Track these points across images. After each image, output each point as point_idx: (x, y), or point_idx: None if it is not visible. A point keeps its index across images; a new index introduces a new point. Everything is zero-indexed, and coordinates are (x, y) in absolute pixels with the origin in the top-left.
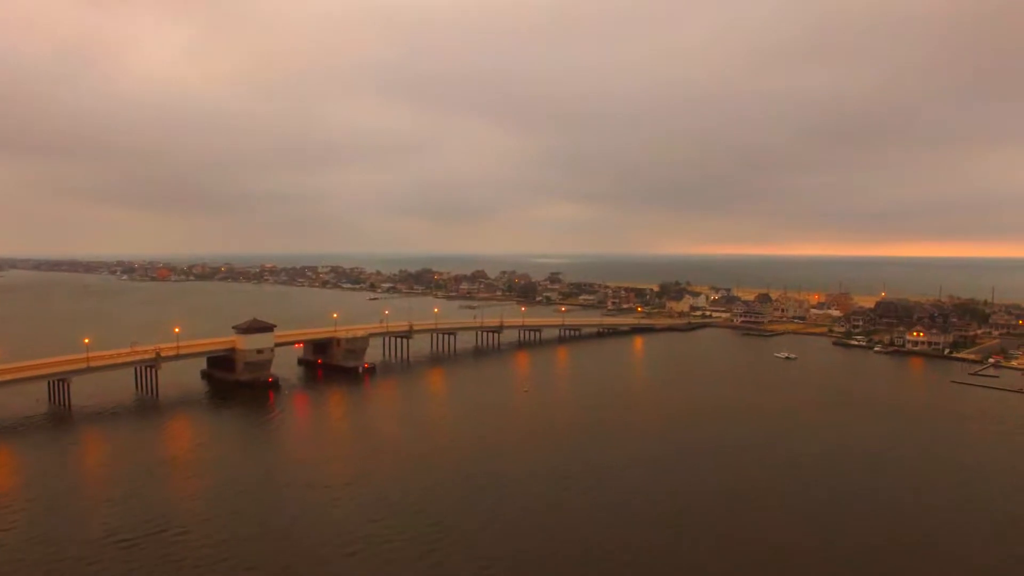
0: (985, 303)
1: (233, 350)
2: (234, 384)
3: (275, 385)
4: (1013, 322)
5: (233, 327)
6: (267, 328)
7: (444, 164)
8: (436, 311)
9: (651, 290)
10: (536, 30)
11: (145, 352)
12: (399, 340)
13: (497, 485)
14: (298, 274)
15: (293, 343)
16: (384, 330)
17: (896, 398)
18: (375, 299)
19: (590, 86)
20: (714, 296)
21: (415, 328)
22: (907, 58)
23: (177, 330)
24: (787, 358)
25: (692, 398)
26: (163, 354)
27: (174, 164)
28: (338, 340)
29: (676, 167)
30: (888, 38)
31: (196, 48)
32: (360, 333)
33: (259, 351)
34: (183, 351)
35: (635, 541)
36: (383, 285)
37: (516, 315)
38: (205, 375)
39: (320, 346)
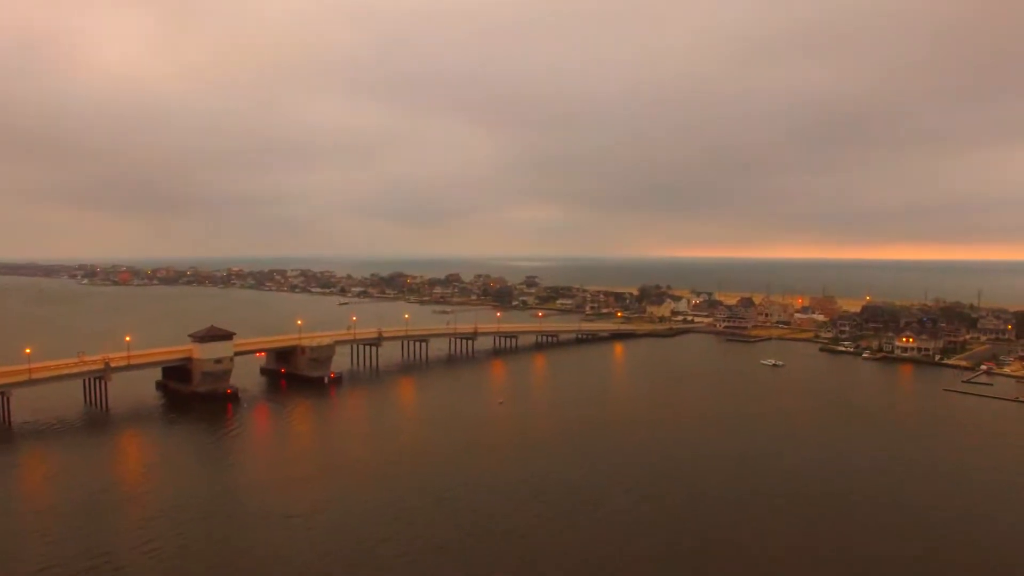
0: (971, 307)
1: (189, 360)
2: (190, 396)
3: (234, 397)
4: (1002, 327)
5: (189, 335)
6: (225, 336)
7: (418, 164)
8: (407, 317)
9: (631, 294)
10: (515, 28)
11: (93, 363)
12: (367, 348)
13: (469, 510)
14: (266, 278)
15: (254, 352)
16: (351, 337)
17: (891, 409)
18: (345, 304)
19: (571, 85)
20: (695, 300)
21: (384, 335)
22: (896, 57)
23: (128, 339)
24: (774, 365)
25: (678, 411)
26: (112, 364)
27: (138, 164)
28: (302, 348)
29: (658, 168)
30: (877, 36)
31: (157, 42)
32: (325, 341)
33: (217, 361)
34: (134, 361)
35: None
36: (354, 289)
37: (491, 321)
38: (160, 386)
39: (283, 355)
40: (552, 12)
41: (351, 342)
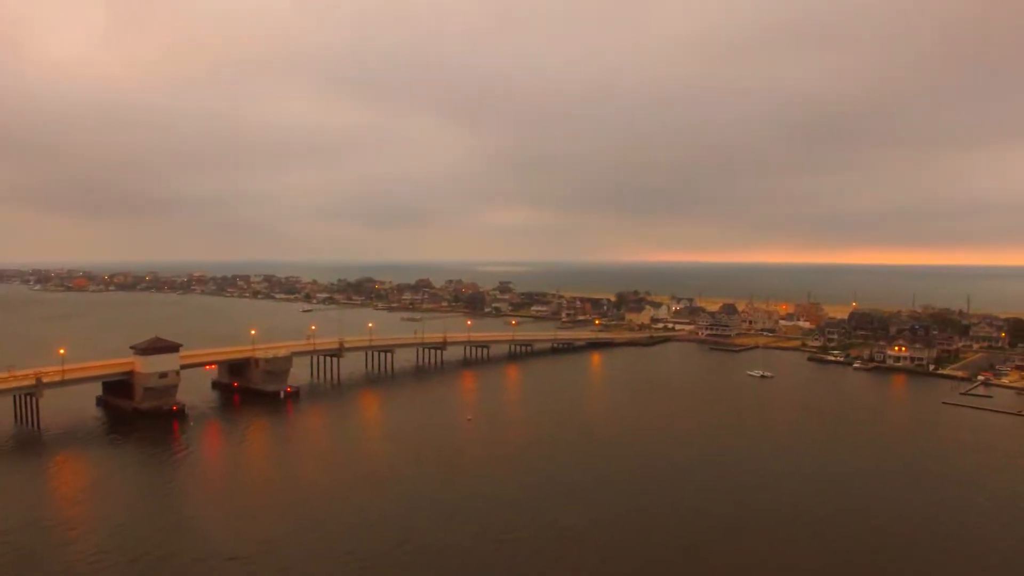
0: (960, 313)
1: (131, 374)
2: (133, 413)
3: (181, 414)
4: (995, 335)
5: (131, 347)
6: (171, 348)
7: (390, 165)
8: (371, 326)
9: (608, 300)
10: (492, 24)
11: (24, 377)
12: (328, 359)
13: (431, 551)
14: (228, 283)
15: (203, 365)
16: (311, 348)
17: (890, 426)
18: (309, 311)
19: (552, 85)
20: (676, 307)
21: (346, 345)
22: (884, 57)
23: (62, 351)
24: (762, 376)
25: (660, 428)
26: (45, 380)
27: (96, 163)
28: (256, 361)
29: (638, 170)
30: (866, 35)
31: (110, 35)
32: (282, 352)
33: (161, 375)
34: (70, 376)
35: None
36: (319, 295)
37: (462, 329)
38: (101, 402)
39: (236, 367)
40: (533, 9)
41: (310, 353)
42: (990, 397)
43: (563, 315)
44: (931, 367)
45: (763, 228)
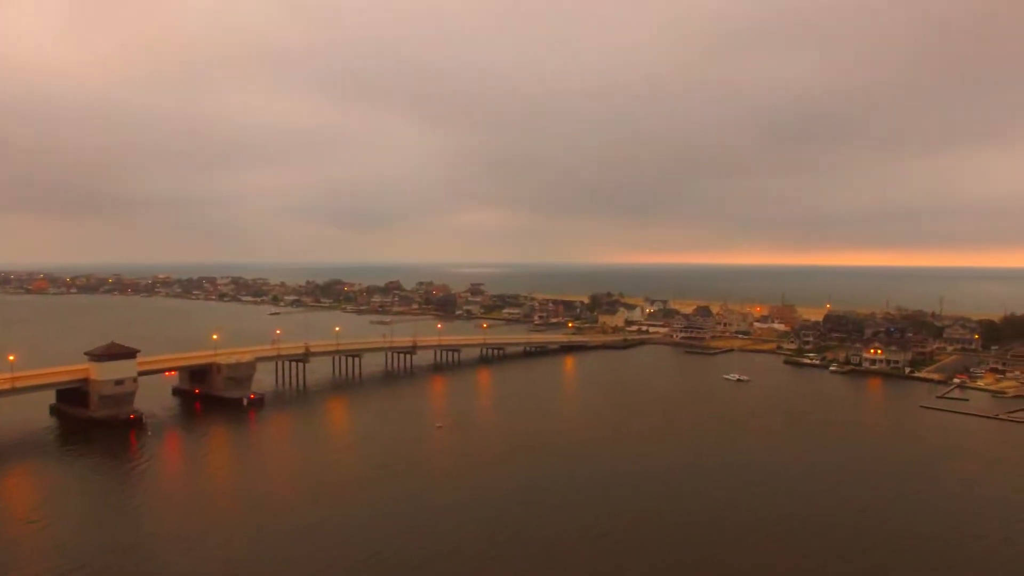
0: (933, 315)
1: (86, 381)
2: (88, 422)
3: (138, 423)
4: (968, 336)
5: (86, 353)
6: (128, 354)
7: (361, 165)
8: (337, 329)
9: (581, 303)
10: (467, 22)
11: None
12: (294, 364)
13: (401, 569)
14: (194, 286)
15: (163, 371)
16: (275, 353)
17: (871, 432)
18: (276, 314)
19: (529, 84)
20: (650, 309)
21: (312, 350)
22: (861, 57)
23: (12, 358)
24: (739, 380)
25: (636, 434)
26: None
27: (59, 162)
28: (218, 366)
29: (612, 170)
30: (846, 35)
31: (71, 30)
32: (245, 357)
33: (118, 382)
34: (21, 384)
35: None
36: (287, 298)
37: (432, 332)
38: (55, 411)
39: (197, 373)
40: (511, 7)
41: (275, 358)
42: (966, 400)
43: (536, 318)
44: (907, 370)
45: (737, 230)
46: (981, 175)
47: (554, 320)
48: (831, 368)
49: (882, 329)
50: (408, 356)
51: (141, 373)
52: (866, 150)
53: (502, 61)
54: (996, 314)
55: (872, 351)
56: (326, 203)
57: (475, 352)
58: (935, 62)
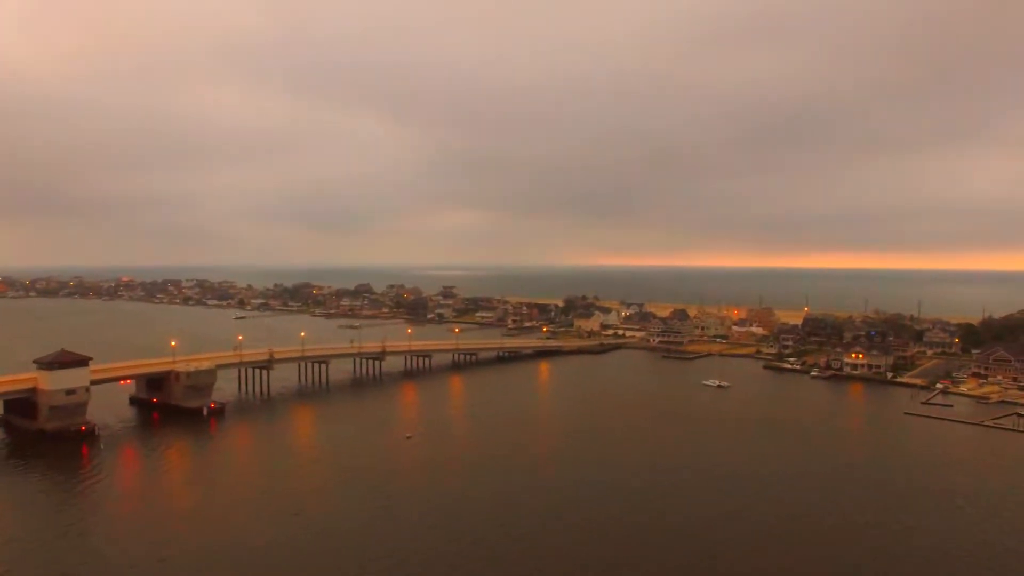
0: (911, 318)
1: (34, 391)
2: (37, 435)
3: (91, 435)
4: (947, 340)
5: (35, 361)
6: (80, 362)
7: (331, 165)
8: (303, 335)
9: (556, 306)
10: (441, 18)
11: None
12: (257, 372)
13: None
14: (158, 289)
15: (118, 379)
16: (238, 360)
17: (857, 441)
18: (242, 318)
19: (497, 82)
20: (626, 312)
21: (276, 356)
22: (841, 57)
23: None
24: (719, 387)
25: (615, 445)
26: None
27: (18, 161)
28: (177, 374)
29: (586, 172)
30: (821, 34)
31: (28, 24)
32: (205, 365)
33: (69, 392)
34: None
35: None
36: (254, 302)
37: (402, 337)
38: (2, 423)
39: (155, 382)
40: (483, 5)
41: (237, 365)
42: (950, 406)
43: (509, 321)
44: (889, 375)
45: (712, 231)
46: (954, 176)
47: (528, 324)
48: (812, 373)
49: (862, 333)
50: (377, 363)
51: (94, 382)
52: (839, 152)
53: (476, 58)
54: (974, 317)
55: (853, 355)
56: (296, 204)
57: (447, 358)
58: (910, 63)
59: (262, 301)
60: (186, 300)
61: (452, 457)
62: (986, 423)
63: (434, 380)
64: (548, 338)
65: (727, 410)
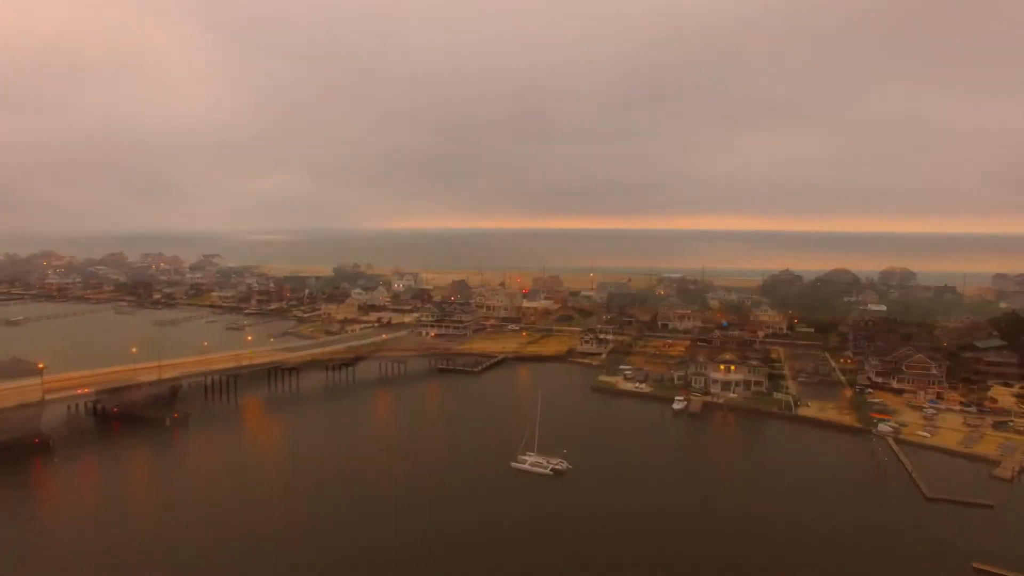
0: (695, 283)
1: None
2: None
3: (45, 447)
4: (780, 323)
5: None
6: (31, 371)
7: (134, 104)
8: None
9: (315, 279)
10: None
11: None
12: None
13: None
14: None
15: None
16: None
17: None
18: None
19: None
20: (399, 285)
21: None
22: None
23: None
24: (553, 470)
25: None
26: None
27: None
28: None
29: (421, 135)
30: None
31: None
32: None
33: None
34: None
35: None
36: None
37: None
38: None
39: (117, 391)
40: None
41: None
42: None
43: (252, 303)
44: (786, 398)
45: (495, 195)
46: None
47: (274, 306)
48: (675, 407)
49: (714, 327)
50: None
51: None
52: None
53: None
54: (752, 279)
55: (723, 368)
56: (96, 159)
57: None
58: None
59: None
60: None
61: None
62: None
63: None
64: (285, 332)
65: None
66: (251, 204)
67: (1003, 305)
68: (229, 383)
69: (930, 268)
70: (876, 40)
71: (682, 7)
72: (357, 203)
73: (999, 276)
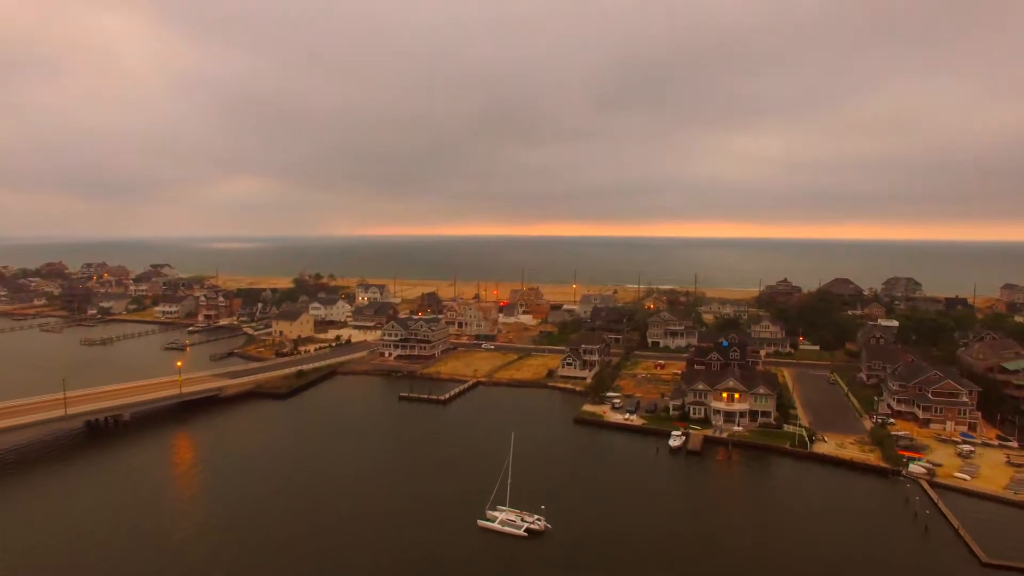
0: (688, 294)
1: None
2: None
3: None
4: (779, 335)
5: None
6: None
7: (91, 102)
8: None
9: (272, 291)
10: None
11: None
12: None
13: None
14: None
15: None
16: None
17: None
18: None
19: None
20: (362, 298)
21: None
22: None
23: None
24: (527, 530)
25: None
26: None
27: None
28: None
29: (399, 136)
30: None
31: None
32: None
33: None
34: None
35: None
36: None
37: None
38: None
39: None
40: None
41: None
42: None
43: (200, 317)
44: (810, 440)
45: (471, 201)
46: (692, 156)
47: (223, 322)
48: (672, 442)
49: (710, 347)
50: None
51: None
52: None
53: None
54: (751, 290)
55: (725, 396)
56: (51, 164)
57: None
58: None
59: None
60: None
61: None
62: None
63: None
64: (235, 350)
65: None
66: (214, 210)
67: (1018, 319)
68: (147, 417)
69: (933, 276)
70: (876, 40)
71: (677, 4)
72: (328, 209)
73: (1008, 287)
